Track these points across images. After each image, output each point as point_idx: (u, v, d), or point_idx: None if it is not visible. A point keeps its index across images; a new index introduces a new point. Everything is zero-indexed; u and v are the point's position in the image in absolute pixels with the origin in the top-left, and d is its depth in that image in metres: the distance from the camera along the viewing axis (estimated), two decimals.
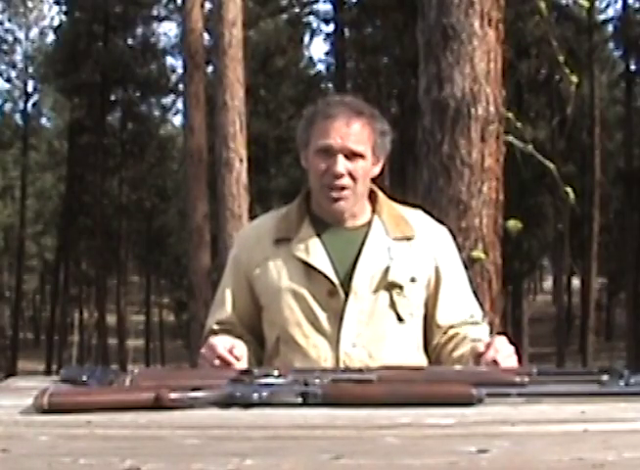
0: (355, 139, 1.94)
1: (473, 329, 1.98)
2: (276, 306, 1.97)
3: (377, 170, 2.04)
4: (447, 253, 2.06)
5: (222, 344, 1.81)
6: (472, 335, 1.94)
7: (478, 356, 1.79)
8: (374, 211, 2.03)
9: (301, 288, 1.95)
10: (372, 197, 2.06)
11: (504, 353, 1.76)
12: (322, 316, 1.94)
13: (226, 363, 1.76)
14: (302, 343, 1.95)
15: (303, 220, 2.01)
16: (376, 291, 1.94)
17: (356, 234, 2.00)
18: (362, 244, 1.98)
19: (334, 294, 1.94)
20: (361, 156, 1.95)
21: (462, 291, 2.06)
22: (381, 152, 2.01)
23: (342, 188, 1.95)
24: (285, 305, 1.95)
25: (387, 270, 1.95)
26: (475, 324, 2.01)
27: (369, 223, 2.01)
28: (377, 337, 1.94)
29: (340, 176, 1.93)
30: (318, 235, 1.99)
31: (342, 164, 1.93)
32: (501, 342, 1.79)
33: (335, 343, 1.93)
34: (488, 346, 1.78)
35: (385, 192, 2.11)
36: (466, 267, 2.16)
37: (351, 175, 1.94)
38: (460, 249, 2.23)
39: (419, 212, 2.11)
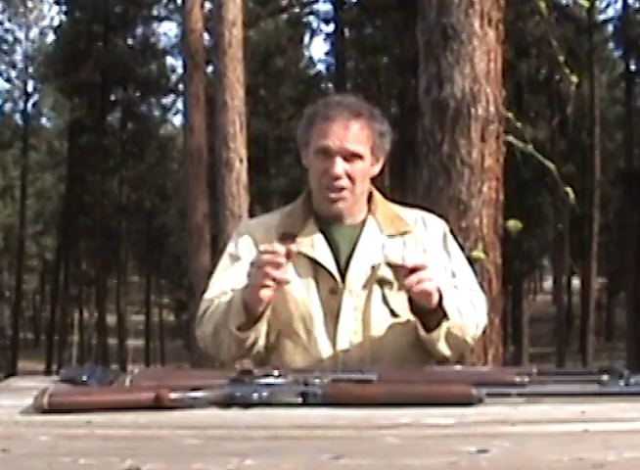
0: (354, 141, 1.95)
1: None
2: (281, 300, 1.96)
3: (376, 170, 2.05)
4: (436, 241, 2.05)
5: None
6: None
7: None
8: (369, 210, 2.05)
9: (308, 283, 1.97)
10: (368, 197, 2.07)
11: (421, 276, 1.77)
12: (323, 312, 1.96)
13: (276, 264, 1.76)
14: (304, 338, 1.96)
15: (308, 218, 2.03)
16: (369, 287, 1.96)
17: (352, 232, 2.01)
18: (356, 242, 2.00)
19: (335, 290, 1.96)
20: (360, 157, 1.96)
21: (449, 267, 2.04)
22: (380, 152, 2.03)
23: (341, 189, 1.97)
24: (291, 300, 1.96)
25: (378, 267, 1.96)
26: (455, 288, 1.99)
27: (364, 222, 2.03)
28: (372, 333, 1.95)
29: (337, 178, 1.95)
30: (322, 232, 2.01)
31: (339, 166, 1.94)
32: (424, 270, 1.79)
33: (332, 339, 1.95)
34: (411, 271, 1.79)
35: (382, 192, 2.12)
36: (469, 261, 2.15)
37: (349, 177, 1.96)
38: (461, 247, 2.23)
39: (415, 210, 2.12)
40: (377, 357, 1.92)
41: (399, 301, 1.96)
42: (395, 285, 1.96)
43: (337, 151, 1.94)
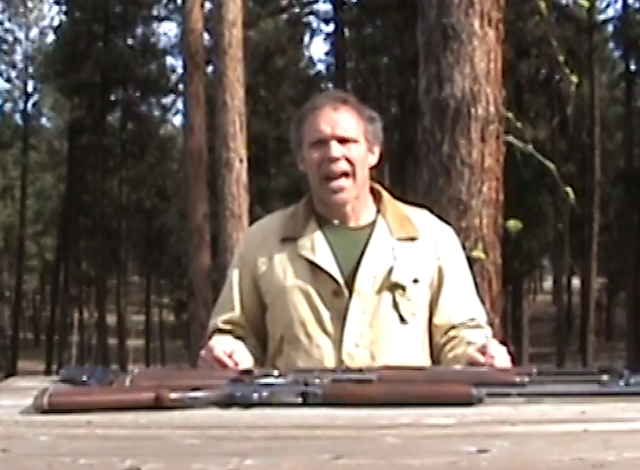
0: (345, 124, 1.95)
1: (472, 332, 1.97)
2: (281, 305, 1.96)
3: (373, 159, 2.03)
4: (451, 253, 2.05)
5: (222, 347, 1.81)
6: (469, 337, 1.93)
7: (472, 363, 1.77)
8: (378, 211, 2.03)
9: (307, 287, 1.94)
10: (376, 197, 2.05)
11: (499, 358, 1.76)
12: (326, 316, 1.94)
13: (224, 367, 1.77)
14: (306, 342, 1.94)
15: (309, 220, 2.01)
16: (379, 291, 1.94)
17: (360, 234, 1.99)
18: (366, 244, 1.97)
19: (339, 293, 1.93)
20: (354, 141, 1.95)
21: (464, 293, 2.05)
22: (373, 138, 2.01)
23: (341, 175, 1.94)
24: (290, 304, 1.95)
25: (390, 271, 1.94)
26: (476, 327, 2.00)
27: (373, 223, 2.01)
28: (379, 338, 1.93)
29: (336, 160, 1.93)
30: (324, 234, 1.98)
31: (336, 149, 1.93)
32: (494, 346, 1.79)
33: (338, 343, 1.93)
34: (483, 352, 1.77)
35: (390, 192, 2.10)
36: (471, 268, 2.15)
37: (348, 160, 1.94)
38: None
39: (424, 213, 2.10)
40: (382, 362, 1.89)
41: (409, 307, 1.95)
42: (406, 291, 1.95)
43: (330, 136, 1.93)
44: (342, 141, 1.94)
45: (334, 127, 1.93)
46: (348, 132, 1.94)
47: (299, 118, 2.01)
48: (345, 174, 1.94)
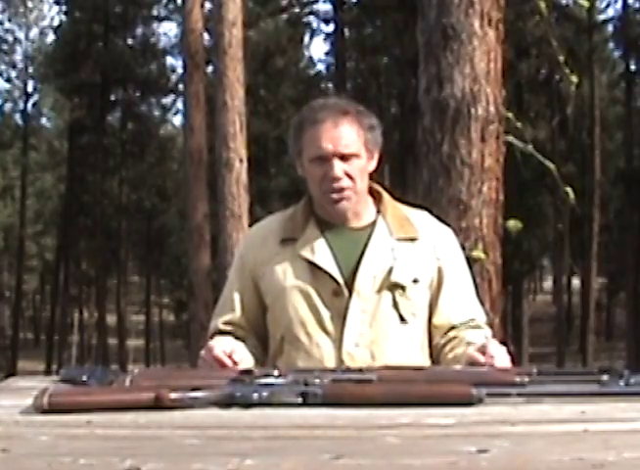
0: (346, 140, 1.94)
1: (471, 332, 1.98)
2: (281, 305, 1.97)
3: (373, 165, 2.04)
4: (451, 254, 2.06)
5: (221, 347, 1.81)
6: (468, 338, 1.93)
7: (472, 363, 1.78)
8: (378, 211, 2.04)
9: (307, 287, 1.95)
10: (377, 198, 2.06)
11: (499, 359, 1.76)
12: (326, 316, 1.94)
13: (224, 367, 1.77)
14: (306, 342, 1.95)
15: (309, 221, 2.02)
16: (379, 291, 1.94)
17: (360, 234, 2.00)
18: (366, 244, 1.98)
19: (338, 293, 1.94)
20: (355, 155, 1.96)
21: (464, 293, 2.05)
22: (373, 146, 2.02)
23: (343, 189, 1.96)
24: (289, 304, 1.96)
25: (390, 271, 1.95)
26: (475, 328, 2.00)
27: (373, 224, 2.02)
28: (379, 337, 1.94)
29: (338, 180, 1.94)
30: (323, 235, 1.99)
31: (338, 168, 1.93)
32: (494, 346, 1.79)
33: (338, 342, 1.93)
34: (483, 352, 1.78)
35: (391, 193, 2.11)
36: (470, 269, 2.15)
37: (349, 176, 1.95)
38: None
39: (424, 214, 2.11)
40: (382, 362, 1.90)
41: (409, 307, 1.96)
42: (406, 290, 1.95)
43: (332, 154, 1.93)
44: (344, 157, 1.94)
45: (335, 145, 1.93)
46: (350, 148, 1.95)
47: (299, 127, 2.00)
48: (346, 188, 1.96)
